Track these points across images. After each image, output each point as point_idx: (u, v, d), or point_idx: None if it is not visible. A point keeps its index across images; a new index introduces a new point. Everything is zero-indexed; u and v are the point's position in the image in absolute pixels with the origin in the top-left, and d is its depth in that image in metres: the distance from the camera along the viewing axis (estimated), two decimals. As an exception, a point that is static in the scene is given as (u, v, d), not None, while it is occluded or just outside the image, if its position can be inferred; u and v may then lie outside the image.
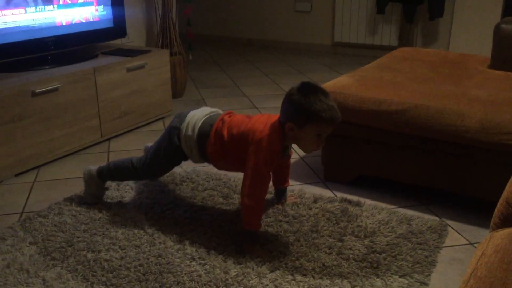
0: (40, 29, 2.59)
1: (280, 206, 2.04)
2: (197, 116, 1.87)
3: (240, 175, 1.82)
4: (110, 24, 2.99)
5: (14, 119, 2.30)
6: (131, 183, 2.24)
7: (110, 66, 2.77)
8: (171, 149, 1.90)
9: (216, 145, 1.81)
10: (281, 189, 2.08)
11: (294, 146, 2.71)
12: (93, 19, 2.87)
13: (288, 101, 1.70)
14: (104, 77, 2.73)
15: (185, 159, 1.94)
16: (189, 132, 1.84)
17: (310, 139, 1.70)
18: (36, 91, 2.37)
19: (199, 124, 1.84)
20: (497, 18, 4.30)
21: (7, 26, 2.43)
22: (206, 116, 1.87)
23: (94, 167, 2.07)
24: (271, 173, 1.79)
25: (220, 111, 1.94)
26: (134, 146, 2.76)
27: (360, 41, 5.17)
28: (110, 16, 2.98)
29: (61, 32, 2.71)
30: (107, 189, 2.11)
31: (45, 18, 2.61)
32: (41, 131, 2.44)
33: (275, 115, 1.79)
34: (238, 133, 1.77)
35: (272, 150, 1.72)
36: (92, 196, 2.06)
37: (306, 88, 1.68)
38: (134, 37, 3.58)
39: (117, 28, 3.05)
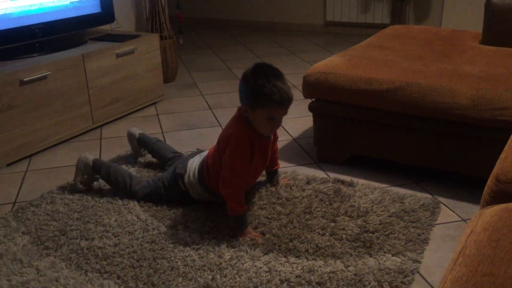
0: (27, 16, 2.55)
1: (273, 188, 2.04)
2: (195, 163, 1.93)
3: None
4: (97, 9, 2.95)
5: (3, 108, 2.28)
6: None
7: (99, 52, 2.74)
8: (176, 191, 1.93)
9: (210, 175, 1.85)
10: (272, 172, 2.07)
11: (284, 127, 2.71)
12: (80, 4, 2.83)
13: (241, 83, 1.73)
14: (94, 63, 2.70)
15: (193, 202, 1.96)
16: (191, 179, 1.90)
17: (263, 122, 1.72)
18: (24, 79, 2.35)
19: (197, 170, 1.89)
20: (489, -8, 4.26)
21: (-8, 14, 2.39)
22: (202, 160, 1.91)
23: (90, 157, 2.05)
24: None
25: None
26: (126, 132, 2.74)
27: (352, 20, 5.12)
28: (97, 0, 2.94)
29: (48, 19, 2.67)
30: (97, 179, 2.09)
31: (31, 5, 2.57)
32: (31, 120, 2.41)
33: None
34: (218, 148, 1.82)
35: (242, 139, 1.73)
36: (83, 184, 2.05)
37: (258, 70, 1.70)
38: (123, 22, 3.54)
39: (105, 13, 3.01)
